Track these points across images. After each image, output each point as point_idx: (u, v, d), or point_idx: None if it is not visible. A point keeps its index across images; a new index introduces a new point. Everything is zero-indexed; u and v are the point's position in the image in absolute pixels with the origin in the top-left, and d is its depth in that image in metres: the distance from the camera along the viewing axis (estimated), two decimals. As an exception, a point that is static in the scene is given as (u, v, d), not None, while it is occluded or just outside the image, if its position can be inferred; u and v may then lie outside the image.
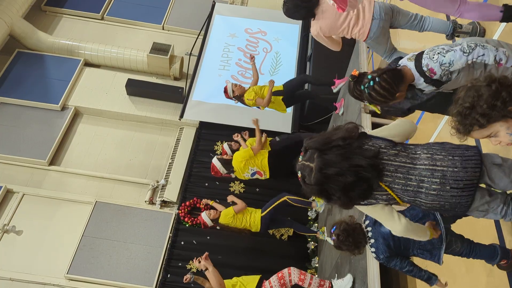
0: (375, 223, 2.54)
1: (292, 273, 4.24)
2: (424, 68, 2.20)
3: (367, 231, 2.59)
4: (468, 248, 2.46)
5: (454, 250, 2.44)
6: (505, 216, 2.06)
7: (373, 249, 2.55)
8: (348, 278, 4.15)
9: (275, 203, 5.22)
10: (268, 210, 5.18)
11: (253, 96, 5.37)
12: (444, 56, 2.13)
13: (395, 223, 2.04)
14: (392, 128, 2.06)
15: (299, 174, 1.88)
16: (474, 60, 2.09)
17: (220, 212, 5.14)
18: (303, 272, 4.28)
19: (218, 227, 5.30)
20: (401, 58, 2.40)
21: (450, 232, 2.46)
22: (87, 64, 8.01)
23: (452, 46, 2.17)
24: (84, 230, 6.10)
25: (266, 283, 4.27)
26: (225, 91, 5.52)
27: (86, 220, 6.20)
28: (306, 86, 6.49)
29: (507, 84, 1.62)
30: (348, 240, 2.57)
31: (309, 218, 6.01)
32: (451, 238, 2.44)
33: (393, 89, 2.23)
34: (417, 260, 2.66)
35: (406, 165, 1.93)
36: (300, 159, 1.89)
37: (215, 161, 5.08)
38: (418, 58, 2.24)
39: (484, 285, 2.73)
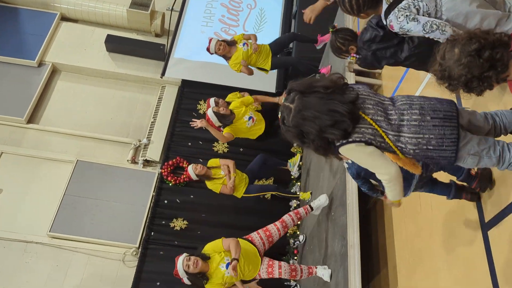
0: None
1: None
2: (387, 21, 2.31)
3: (348, 168, 2.68)
4: (429, 185, 2.58)
5: (417, 187, 2.54)
6: (500, 161, 2.04)
7: (346, 165, 2.68)
8: (324, 197, 4.48)
9: (261, 193, 5.37)
10: (253, 195, 5.26)
11: (238, 67, 5.38)
12: (407, 23, 2.21)
13: (388, 166, 1.96)
14: None
15: (279, 115, 1.93)
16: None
17: (207, 170, 5.10)
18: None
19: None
20: None
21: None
22: (64, 18, 7.71)
23: (420, 16, 2.20)
24: (66, 189, 6.05)
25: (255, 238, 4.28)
26: (208, 49, 5.41)
27: (67, 179, 6.14)
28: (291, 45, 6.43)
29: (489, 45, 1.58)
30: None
31: (292, 177, 6.06)
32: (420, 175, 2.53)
33: (362, 7, 2.34)
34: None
35: (385, 102, 1.98)
36: (283, 100, 1.95)
37: (210, 113, 4.98)
38: (391, 7, 2.27)
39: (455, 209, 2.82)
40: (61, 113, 6.88)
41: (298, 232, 5.52)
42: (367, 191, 2.71)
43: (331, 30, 3.16)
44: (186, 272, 3.90)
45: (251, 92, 5.97)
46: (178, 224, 5.82)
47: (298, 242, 5.34)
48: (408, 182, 2.45)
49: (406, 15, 2.20)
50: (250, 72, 5.51)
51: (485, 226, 2.56)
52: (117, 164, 6.43)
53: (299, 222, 5.04)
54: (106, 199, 6.10)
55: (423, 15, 2.19)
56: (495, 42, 1.61)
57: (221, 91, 6.86)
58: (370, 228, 4.47)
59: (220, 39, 5.41)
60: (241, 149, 6.40)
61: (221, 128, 5.03)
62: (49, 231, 5.72)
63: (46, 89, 7.06)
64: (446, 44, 1.73)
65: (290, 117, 1.88)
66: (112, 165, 6.40)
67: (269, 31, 7.40)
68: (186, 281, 4.02)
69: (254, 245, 4.17)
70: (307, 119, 1.84)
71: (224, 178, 5.06)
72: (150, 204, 6.02)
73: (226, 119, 4.97)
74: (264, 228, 4.32)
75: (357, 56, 3.04)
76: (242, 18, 7.57)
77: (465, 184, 2.63)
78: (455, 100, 2.06)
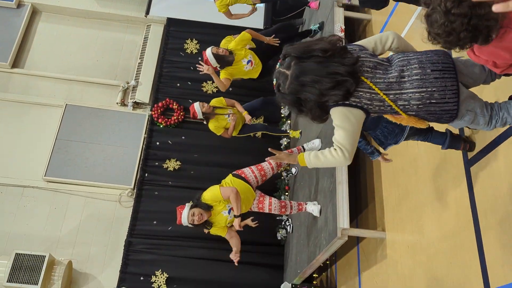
0: None
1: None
2: None
3: None
4: (424, 133, 2.60)
5: (409, 136, 2.58)
6: (490, 122, 2.06)
7: None
8: (318, 141, 4.55)
9: (252, 132, 5.49)
10: (244, 135, 5.35)
11: (225, 8, 5.33)
12: None
13: (351, 147, 1.97)
14: (373, 40, 2.05)
15: (274, 82, 1.87)
16: None
17: (214, 109, 5.08)
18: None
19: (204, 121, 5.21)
20: None
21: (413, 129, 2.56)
22: (40, -45, 7.30)
23: None
24: (57, 133, 6.06)
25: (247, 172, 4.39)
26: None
27: (58, 123, 6.13)
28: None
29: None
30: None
31: (282, 115, 6.10)
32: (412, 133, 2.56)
33: None
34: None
35: (384, 63, 1.96)
36: (277, 66, 1.88)
37: (208, 54, 4.79)
38: None
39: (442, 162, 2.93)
40: (46, 56, 6.72)
41: (289, 167, 5.63)
42: (363, 146, 2.65)
43: None
44: (191, 224, 4.04)
45: (240, 29, 5.84)
46: (171, 165, 5.91)
47: (290, 174, 5.47)
48: (401, 129, 2.49)
49: None
50: (231, 16, 5.49)
51: (468, 163, 2.65)
52: (106, 107, 6.40)
53: None
54: (98, 142, 6.14)
55: None
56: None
57: (209, 29, 6.71)
58: (358, 166, 4.60)
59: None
60: (230, 89, 6.36)
61: (218, 68, 4.90)
62: (44, 175, 5.80)
63: (28, 32, 6.84)
64: None
65: (286, 84, 1.81)
66: (101, 108, 6.37)
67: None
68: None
69: (248, 182, 4.28)
70: (306, 85, 1.79)
71: (226, 121, 5.07)
72: (142, 146, 6.08)
73: (225, 60, 4.82)
74: (258, 165, 4.42)
75: None
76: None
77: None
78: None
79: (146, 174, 5.84)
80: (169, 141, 6.10)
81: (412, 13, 3.90)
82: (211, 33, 6.59)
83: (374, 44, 2.05)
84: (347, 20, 4.87)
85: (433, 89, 1.89)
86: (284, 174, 5.61)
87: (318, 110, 1.87)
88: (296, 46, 1.85)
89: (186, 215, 4.02)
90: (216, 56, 4.72)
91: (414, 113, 1.96)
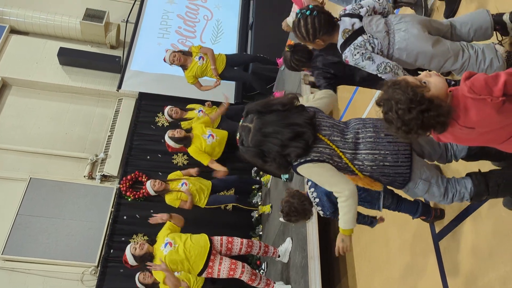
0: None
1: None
2: (343, 56, 2.29)
3: (311, 192, 2.64)
4: (396, 202, 2.61)
5: (385, 204, 2.59)
6: (446, 195, 2.07)
7: (319, 208, 2.63)
8: (288, 240, 4.37)
9: (221, 204, 5.44)
10: (212, 206, 5.28)
11: (193, 80, 5.52)
12: (362, 61, 2.22)
13: (346, 183, 1.96)
14: (318, 102, 2.12)
15: (237, 136, 1.94)
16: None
17: (166, 184, 5.05)
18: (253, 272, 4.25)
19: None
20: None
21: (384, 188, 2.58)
22: (14, 31, 7.45)
23: (375, 54, 2.20)
24: (19, 209, 5.82)
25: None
26: (164, 59, 5.52)
27: (20, 198, 5.91)
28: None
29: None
30: (294, 209, 2.58)
31: (253, 188, 6.08)
32: (385, 193, 2.57)
33: (318, 32, 2.26)
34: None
35: (340, 125, 2.04)
36: (240, 122, 1.96)
37: (167, 138, 4.99)
38: (347, 43, 2.25)
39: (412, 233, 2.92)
40: (13, 129, 6.62)
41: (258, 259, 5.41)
42: (360, 220, 2.65)
43: (287, 49, 3.18)
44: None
45: (211, 103, 5.99)
46: (139, 240, 5.68)
47: (262, 270, 5.23)
48: (374, 203, 2.51)
49: (362, 53, 2.21)
50: (200, 87, 5.68)
51: (436, 237, 2.66)
52: (73, 180, 6.25)
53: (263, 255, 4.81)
54: (62, 217, 5.91)
55: (378, 53, 2.21)
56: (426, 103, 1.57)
57: (179, 102, 6.80)
58: (329, 240, 4.55)
59: (176, 50, 5.46)
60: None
61: (185, 148, 5.04)
62: (2, 254, 5.48)
63: (-4, 105, 6.80)
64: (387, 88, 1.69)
65: (249, 137, 1.88)
66: (67, 181, 6.22)
67: (226, 42, 7.43)
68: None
69: (211, 241, 4.24)
70: (268, 136, 1.86)
71: (182, 192, 5.03)
72: (109, 221, 5.88)
73: (184, 140, 4.95)
74: (230, 236, 4.35)
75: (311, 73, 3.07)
76: (199, 29, 7.56)
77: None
78: None
79: (112, 250, 5.59)
80: (137, 215, 5.92)
81: (375, 91, 4.09)
82: (181, 107, 6.69)
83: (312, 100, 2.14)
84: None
85: (386, 152, 1.96)
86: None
87: (282, 159, 1.91)
88: (256, 103, 1.95)
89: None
90: (173, 138, 4.83)
91: (369, 173, 2.01)
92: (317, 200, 2.60)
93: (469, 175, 2.09)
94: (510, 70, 1.53)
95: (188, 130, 5.05)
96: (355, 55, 2.22)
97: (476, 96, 1.51)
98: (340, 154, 1.96)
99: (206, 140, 4.96)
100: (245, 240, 4.39)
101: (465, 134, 1.61)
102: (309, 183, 2.67)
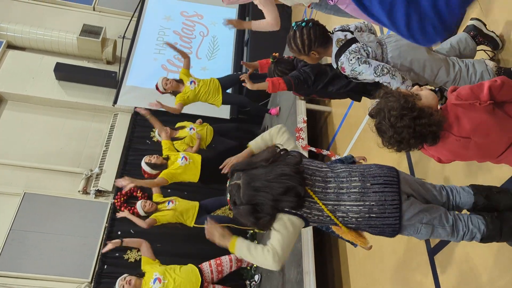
0: None
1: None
2: (338, 63, 2.30)
3: None
4: None
5: None
6: (454, 232, 1.91)
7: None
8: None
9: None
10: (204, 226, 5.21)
11: (182, 101, 5.34)
12: (359, 65, 2.22)
13: (285, 255, 1.84)
14: (292, 143, 2.06)
15: (228, 197, 1.86)
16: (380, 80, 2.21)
17: (157, 206, 5.01)
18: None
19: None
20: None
21: None
22: (11, 46, 7.48)
23: (371, 59, 2.23)
24: (12, 224, 5.78)
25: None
26: (157, 87, 5.35)
27: (14, 212, 5.87)
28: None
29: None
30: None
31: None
32: None
33: (313, 44, 2.29)
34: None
35: (323, 169, 1.93)
36: (228, 183, 1.89)
37: (143, 164, 4.91)
38: (342, 49, 2.28)
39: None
40: (8, 144, 6.61)
41: (253, 272, 5.40)
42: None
43: (272, 60, 3.23)
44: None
45: (205, 119, 6.00)
46: (133, 255, 5.66)
47: (254, 282, 5.23)
48: None
49: (358, 58, 2.22)
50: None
51: (431, 252, 2.68)
52: (67, 195, 6.22)
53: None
54: (56, 232, 5.86)
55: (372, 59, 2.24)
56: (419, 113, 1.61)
57: (175, 118, 6.83)
58: (325, 256, 4.55)
59: (166, 77, 5.37)
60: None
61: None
62: (-6, 270, 5.42)
63: (-9, 119, 6.79)
64: (380, 97, 1.74)
65: (241, 194, 1.80)
66: (62, 196, 6.19)
67: (222, 58, 7.49)
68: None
69: (202, 273, 4.22)
70: (259, 190, 1.78)
71: (169, 211, 4.98)
72: (103, 236, 5.84)
73: (160, 167, 4.88)
74: (217, 259, 4.32)
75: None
76: (195, 45, 7.63)
77: None
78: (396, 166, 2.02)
79: (105, 266, 5.54)
80: (131, 231, 5.88)
81: (369, 104, 4.13)
82: (176, 121, 6.71)
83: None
84: (309, 111, 5.10)
85: (372, 203, 1.84)
86: (247, 283, 5.37)
87: (276, 212, 1.82)
88: (239, 163, 1.93)
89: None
90: (150, 164, 4.83)
91: (354, 226, 1.90)
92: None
93: (482, 215, 1.93)
94: (494, 78, 1.60)
95: (166, 158, 4.99)
96: (351, 60, 2.23)
97: (463, 102, 1.56)
98: (322, 206, 1.85)
99: (179, 163, 4.93)
100: (232, 255, 4.37)
101: (462, 147, 1.63)
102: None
